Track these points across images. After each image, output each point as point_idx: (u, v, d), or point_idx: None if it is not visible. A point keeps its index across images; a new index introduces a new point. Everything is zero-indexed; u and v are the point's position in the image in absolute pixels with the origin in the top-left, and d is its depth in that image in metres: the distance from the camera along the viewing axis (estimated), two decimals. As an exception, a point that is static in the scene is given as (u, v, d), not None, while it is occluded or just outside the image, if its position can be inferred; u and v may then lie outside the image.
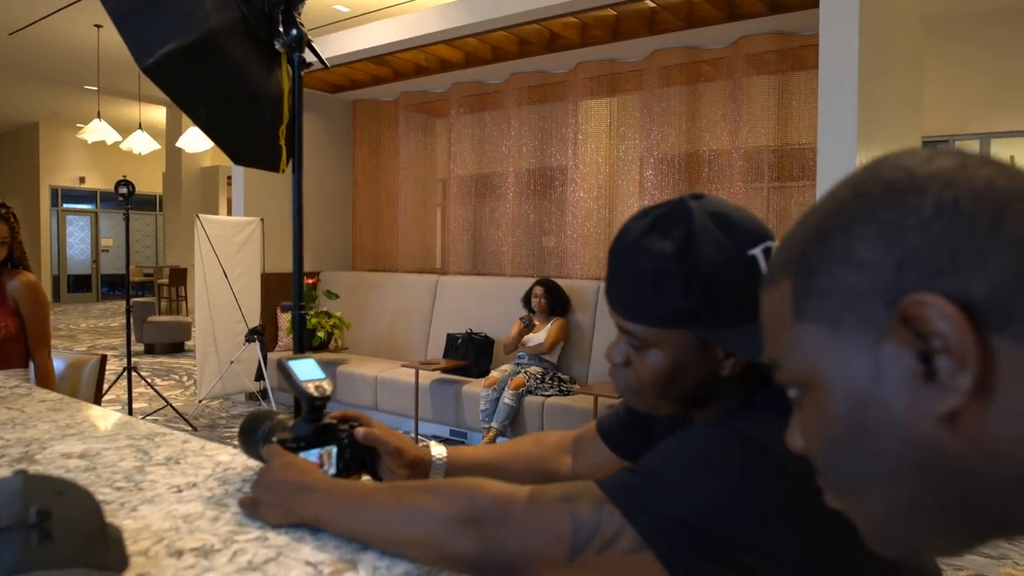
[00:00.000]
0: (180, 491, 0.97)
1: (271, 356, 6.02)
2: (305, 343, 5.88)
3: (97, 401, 2.47)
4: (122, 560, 0.73)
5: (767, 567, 0.71)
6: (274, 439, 0.95)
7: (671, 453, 0.76)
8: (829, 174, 3.58)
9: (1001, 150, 6.47)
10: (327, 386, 0.99)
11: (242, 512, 0.89)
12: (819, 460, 0.50)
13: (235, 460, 1.12)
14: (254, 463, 1.07)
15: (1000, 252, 0.40)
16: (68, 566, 0.64)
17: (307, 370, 1.00)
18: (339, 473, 1.00)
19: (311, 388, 0.97)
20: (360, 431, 1.02)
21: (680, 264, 0.80)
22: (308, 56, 1.89)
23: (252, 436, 1.01)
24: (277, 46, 1.81)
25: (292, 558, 0.76)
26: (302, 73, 1.85)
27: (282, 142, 1.84)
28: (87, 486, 0.76)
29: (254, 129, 1.80)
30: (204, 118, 1.73)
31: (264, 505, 0.86)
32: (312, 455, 0.96)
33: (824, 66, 3.63)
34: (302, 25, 1.80)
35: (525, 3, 4.62)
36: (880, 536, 0.49)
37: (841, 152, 3.55)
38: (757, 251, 0.81)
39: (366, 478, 1.05)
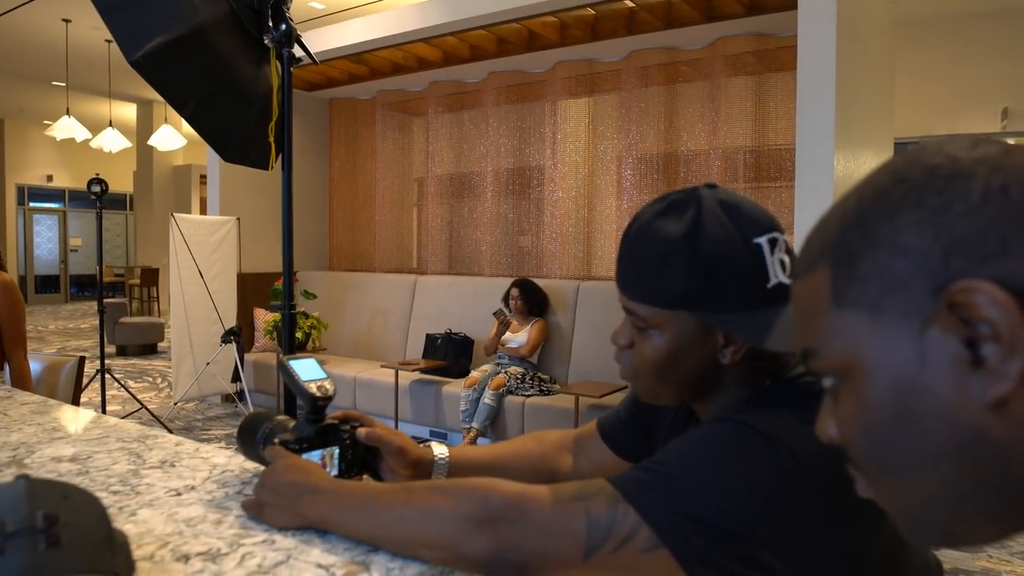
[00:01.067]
0: (179, 494, 0.95)
1: (248, 357, 5.96)
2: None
3: (75, 404, 2.42)
4: (129, 566, 0.71)
5: (783, 562, 0.72)
6: (276, 440, 0.94)
7: (684, 450, 0.76)
8: (807, 175, 3.62)
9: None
10: (329, 386, 0.97)
11: (246, 515, 0.87)
12: (857, 448, 0.50)
13: (231, 462, 1.10)
14: (251, 465, 1.06)
15: None
16: (77, 572, 0.63)
17: (309, 370, 0.98)
18: (341, 474, 0.99)
19: (313, 388, 0.96)
20: (362, 431, 1.01)
21: (685, 246, 0.82)
22: (297, 51, 1.87)
23: (252, 438, 1.00)
24: (266, 41, 1.79)
25: (303, 561, 0.75)
26: (292, 68, 1.83)
27: (271, 138, 1.82)
28: (90, 490, 0.74)
29: (244, 125, 1.77)
30: (192, 114, 1.70)
31: (269, 507, 0.84)
32: (315, 456, 0.95)
33: (802, 67, 3.67)
34: (291, 20, 1.78)
35: (504, 2, 4.62)
36: (920, 523, 0.49)
37: (819, 153, 3.59)
38: (763, 240, 0.82)
39: (367, 478, 1.04)
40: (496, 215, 5.98)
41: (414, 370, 5.07)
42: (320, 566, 0.74)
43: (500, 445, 1.16)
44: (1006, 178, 0.42)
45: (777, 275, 0.82)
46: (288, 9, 1.76)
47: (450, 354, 5.27)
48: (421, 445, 1.08)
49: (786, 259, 0.83)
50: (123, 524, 0.83)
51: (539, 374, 4.87)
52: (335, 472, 0.98)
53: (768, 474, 0.71)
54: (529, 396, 4.68)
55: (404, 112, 6.72)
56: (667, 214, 0.85)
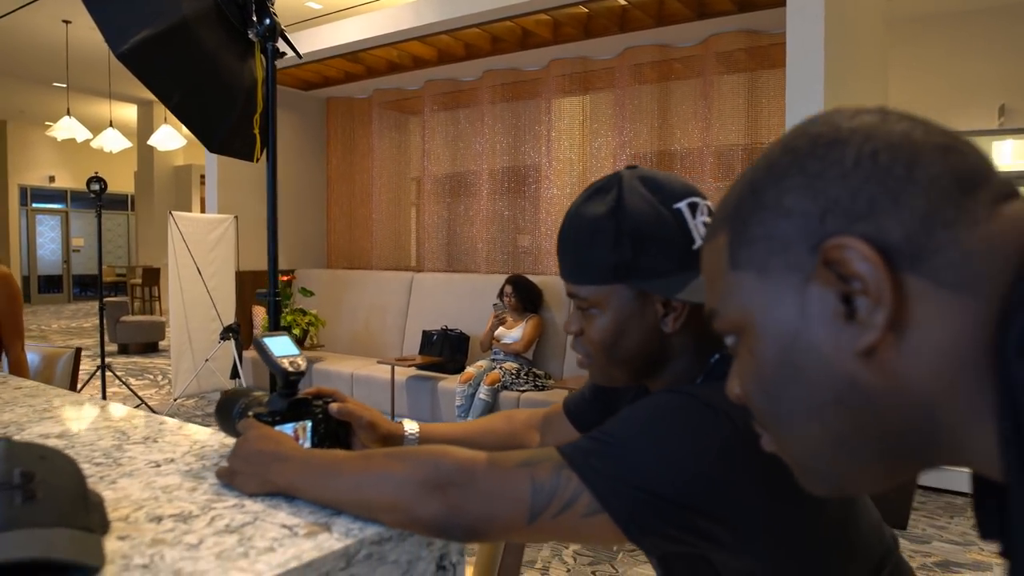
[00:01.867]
0: (158, 466, 1.00)
1: (246, 354, 6.01)
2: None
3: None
4: (104, 523, 0.76)
5: (724, 531, 0.74)
6: (250, 413, 0.98)
7: (626, 418, 0.79)
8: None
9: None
10: (301, 362, 1.02)
11: (219, 483, 0.92)
12: (753, 402, 0.53)
13: (212, 439, 1.15)
14: (231, 441, 1.10)
15: (912, 198, 0.44)
16: (52, 526, 0.67)
17: (282, 346, 1.03)
18: (314, 447, 1.03)
19: (286, 363, 1.00)
20: (334, 406, 1.05)
21: (610, 222, 0.87)
22: (282, 46, 1.92)
23: (229, 413, 1.04)
24: (251, 35, 1.84)
25: (268, 522, 0.79)
26: (276, 63, 1.87)
27: (256, 131, 1.87)
28: (68, 454, 0.79)
29: (228, 117, 1.82)
30: (177, 105, 1.75)
31: (240, 475, 0.89)
32: (287, 429, 0.99)
33: (791, 65, 3.71)
34: (275, 15, 1.83)
35: (497, 0, 4.66)
36: (809, 471, 0.52)
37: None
38: (682, 205, 0.87)
39: None
40: (492, 213, 6.02)
41: (410, 366, 5.11)
42: (284, 526, 0.78)
43: (471, 423, 1.20)
44: (876, 144, 0.46)
45: (702, 237, 0.87)
46: (272, 4, 1.80)
47: (446, 350, 5.31)
48: (394, 421, 1.12)
49: (710, 221, 0.88)
50: (103, 491, 0.88)
51: (534, 370, 4.91)
52: (308, 445, 1.02)
53: (710, 444, 0.74)
54: (524, 391, 4.72)
55: (400, 111, 6.77)
56: (592, 199, 0.91)
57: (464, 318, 5.49)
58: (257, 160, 1.95)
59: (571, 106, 5.73)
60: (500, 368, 4.80)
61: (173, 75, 1.71)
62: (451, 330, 5.39)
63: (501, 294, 5.05)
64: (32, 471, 0.70)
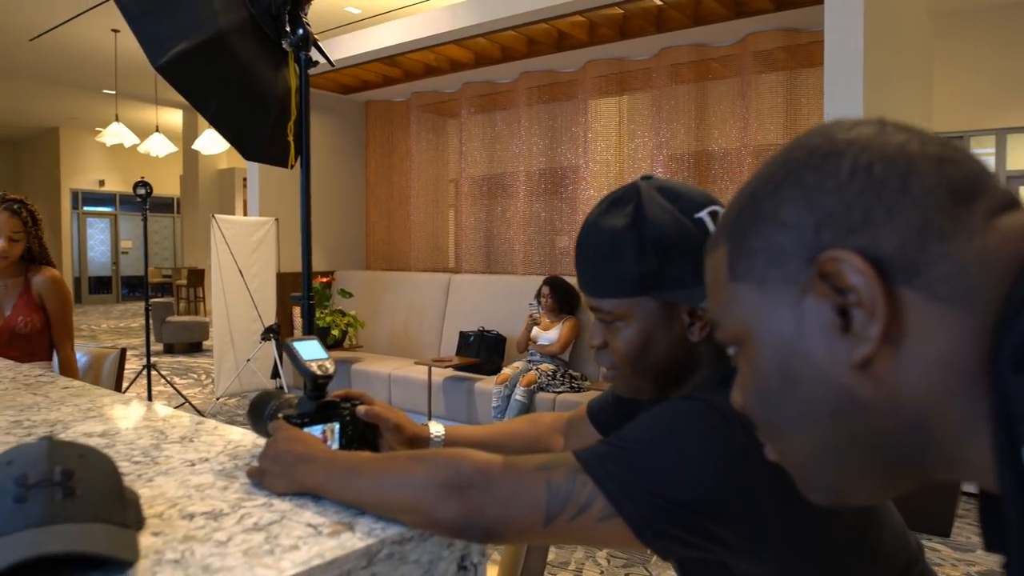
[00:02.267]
0: (193, 465, 1.03)
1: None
2: (315, 333, 5.98)
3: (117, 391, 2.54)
4: (139, 520, 0.80)
5: (737, 536, 0.75)
6: (280, 415, 1.01)
7: (641, 424, 0.80)
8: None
9: (1018, 146, 6.43)
10: (329, 365, 1.05)
11: (250, 482, 0.95)
12: (753, 412, 0.54)
13: (245, 439, 1.18)
14: (263, 441, 1.13)
15: (906, 210, 0.44)
16: (89, 521, 0.71)
17: (311, 350, 1.06)
18: (342, 448, 1.06)
19: (314, 367, 1.03)
20: (361, 408, 1.08)
21: (632, 234, 0.88)
22: (314, 55, 1.96)
23: (260, 414, 1.07)
24: (284, 45, 1.88)
25: (295, 521, 0.82)
26: (309, 71, 1.92)
27: (290, 138, 1.91)
28: (106, 453, 0.82)
29: (263, 125, 1.87)
30: (214, 114, 1.80)
31: (269, 475, 0.92)
32: (316, 430, 1.02)
33: (829, 63, 3.66)
34: (308, 25, 1.87)
35: (533, 2, 4.67)
36: (808, 481, 0.53)
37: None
38: (703, 214, 0.87)
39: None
40: (529, 214, 6.04)
41: (447, 367, 5.16)
42: (310, 525, 0.81)
43: (496, 425, 1.22)
44: (871, 156, 0.46)
45: None
46: (305, 15, 1.85)
47: (482, 351, 5.35)
48: (420, 424, 1.15)
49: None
50: (140, 488, 0.91)
51: (570, 371, 4.91)
52: (336, 446, 1.05)
53: (723, 450, 0.75)
54: (560, 393, 4.73)
55: (438, 113, 6.82)
56: (610, 211, 0.91)
57: (501, 319, 5.52)
58: (291, 166, 2.00)
59: (607, 107, 5.72)
60: (536, 369, 4.81)
61: (210, 85, 1.77)
62: (488, 331, 5.42)
63: (538, 295, 5.06)
64: (72, 469, 0.73)
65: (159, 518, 0.82)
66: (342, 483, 0.86)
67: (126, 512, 0.77)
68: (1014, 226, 0.44)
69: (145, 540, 0.75)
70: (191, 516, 0.83)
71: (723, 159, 5.11)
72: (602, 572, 2.95)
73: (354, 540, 0.77)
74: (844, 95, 3.59)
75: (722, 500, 0.73)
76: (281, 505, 0.87)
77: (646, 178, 0.93)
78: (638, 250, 0.88)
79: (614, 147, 5.71)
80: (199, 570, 0.69)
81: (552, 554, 3.10)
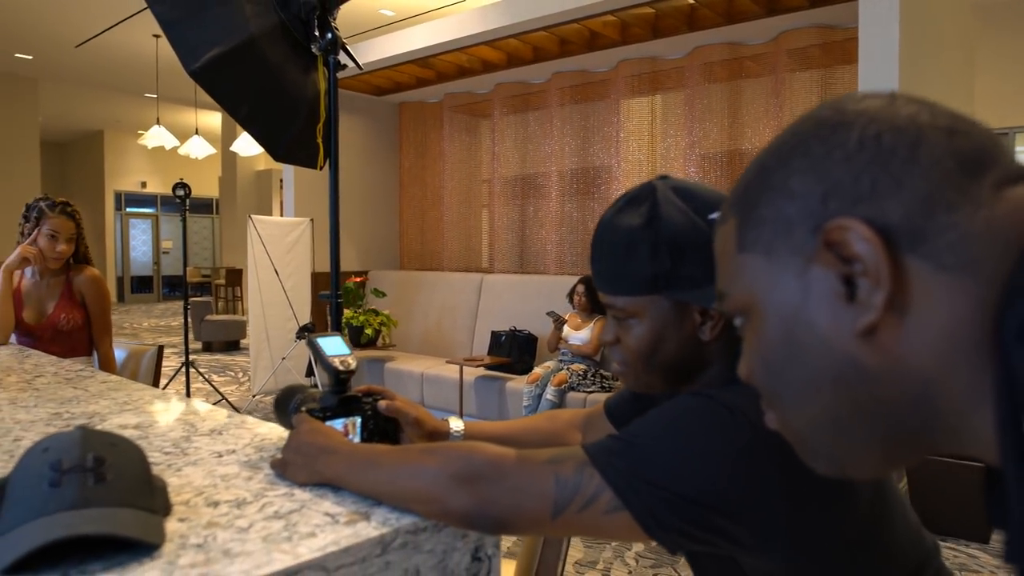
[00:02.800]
0: (220, 456, 1.07)
1: (321, 352, 6.19)
2: (347, 332, 6.06)
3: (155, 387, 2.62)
4: (166, 506, 0.83)
5: (743, 531, 0.76)
6: (303, 409, 1.04)
7: (649, 420, 0.82)
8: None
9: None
10: (352, 361, 1.08)
11: (273, 473, 0.98)
12: (757, 380, 0.54)
13: (272, 432, 1.22)
14: (288, 433, 1.17)
15: (914, 180, 0.44)
16: (118, 506, 0.74)
17: (334, 346, 1.09)
18: (363, 442, 1.09)
19: (337, 362, 1.06)
20: (383, 403, 1.11)
21: (647, 233, 0.89)
22: (343, 58, 2.00)
23: (285, 408, 1.11)
24: (313, 49, 1.92)
25: (314, 510, 0.85)
26: (339, 74, 1.96)
27: (319, 140, 1.95)
28: (136, 442, 0.86)
29: (292, 128, 1.91)
30: (245, 117, 1.85)
31: (292, 465, 0.95)
32: (338, 424, 1.05)
33: (864, 60, 3.61)
34: (336, 29, 1.91)
35: (564, 3, 4.68)
36: (809, 450, 0.53)
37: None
38: (717, 215, 0.88)
39: None
40: (561, 214, 6.05)
41: (478, 366, 5.19)
42: (327, 514, 0.84)
43: (515, 421, 1.24)
44: (880, 127, 0.46)
45: None
46: (334, 19, 1.89)
47: (514, 351, 5.37)
48: (441, 419, 1.17)
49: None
50: (169, 478, 0.95)
51: (601, 371, 4.91)
52: (358, 440, 1.08)
53: (728, 445, 0.76)
54: (591, 393, 4.73)
55: (471, 114, 6.87)
56: (626, 209, 0.92)
57: (532, 319, 5.53)
58: (320, 168, 2.04)
59: (640, 107, 5.71)
60: (568, 369, 4.82)
61: (241, 89, 1.82)
62: (519, 331, 5.44)
63: (572, 294, 5.07)
64: (103, 456, 0.77)
65: (186, 505, 0.86)
66: (360, 474, 0.88)
67: (154, 498, 0.80)
68: (1022, 198, 0.44)
69: (171, 525, 0.79)
70: (216, 504, 0.86)
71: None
72: (630, 572, 2.96)
73: (369, 529, 0.80)
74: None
75: (728, 494, 0.74)
76: (302, 495, 0.90)
77: (662, 178, 0.94)
78: (652, 249, 0.89)
79: (646, 147, 5.69)
80: (220, 554, 0.72)
81: (580, 552, 3.11)
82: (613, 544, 3.20)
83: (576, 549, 3.15)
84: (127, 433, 1.20)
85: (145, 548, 0.72)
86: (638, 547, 3.18)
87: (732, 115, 5.17)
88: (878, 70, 3.54)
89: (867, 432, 0.48)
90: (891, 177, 0.45)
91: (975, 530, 3.26)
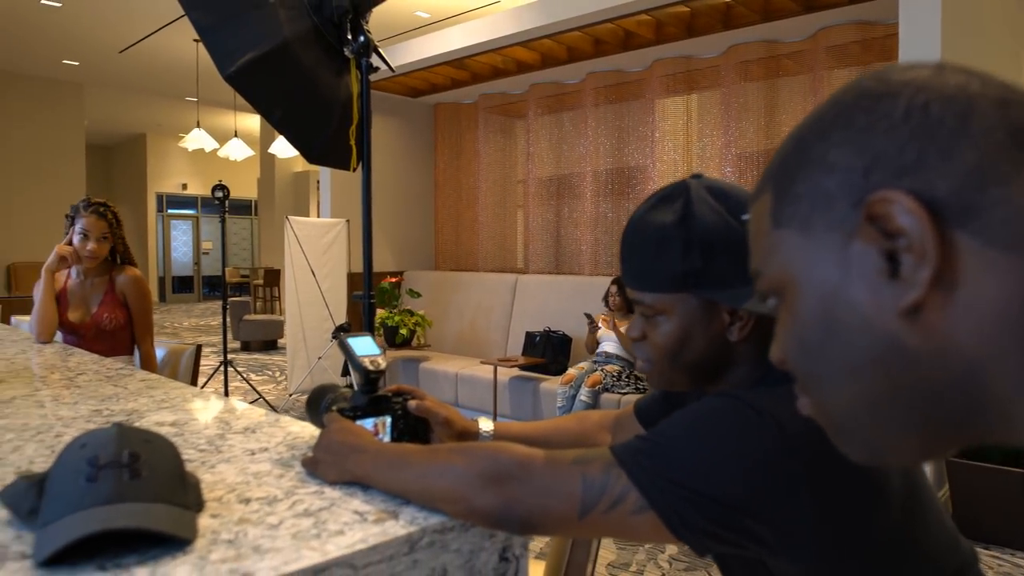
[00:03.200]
0: (253, 454, 1.09)
1: (356, 352, 6.25)
2: (377, 331, 6.11)
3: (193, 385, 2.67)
4: (199, 502, 0.85)
5: (770, 532, 0.75)
6: (334, 408, 1.06)
7: (676, 421, 0.81)
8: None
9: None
10: (381, 361, 1.09)
11: (304, 472, 0.99)
12: (792, 362, 0.52)
13: (304, 431, 1.23)
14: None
15: (965, 151, 0.42)
16: (152, 501, 0.76)
17: (364, 346, 1.10)
18: (393, 441, 1.09)
19: (367, 362, 1.07)
20: (412, 403, 1.11)
21: (679, 230, 0.88)
22: (375, 61, 2.02)
23: (317, 407, 1.12)
24: (346, 52, 1.95)
25: (343, 508, 0.86)
26: (373, 76, 1.98)
27: (352, 142, 1.98)
28: (170, 440, 0.88)
29: (326, 130, 1.94)
30: (279, 120, 1.88)
31: (322, 464, 0.96)
32: (367, 423, 1.06)
33: (905, 55, 3.54)
34: (369, 32, 1.93)
35: (598, 2, 4.67)
36: (845, 435, 0.51)
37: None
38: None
39: None
40: (596, 215, 6.03)
41: (512, 367, 5.19)
42: (356, 512, 0.85)
43: (544, 422, 1.24)
44: (928, 96, 0.44)
45: None
46: (366, 23, 1.90)
47: (548, 351, 5.36)
48: (470, 419, 1.18)
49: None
50: (203, 475, 0.97)
51: (635, 372, 4.88)
52: (387, 439, 1.09)
53: (754, 445, 0.75)
54: (625, 394, 4.71)
55: (505, 115, 6.88)
56: (658, 207, 0.92)
57: (567, 320, 5.53)
58: (353, 169, 2.07)
59: (675, 106, 5.67)
60: (602, 370, 4.80)
61: (275, 93, 1.85)
62: (554, 332, 5.44)
63: (606, 295, 5.05)
64: (138, 452, 0.79)
65: (218, 502, 0.87)
66: (388, 473, 0.89)
67: (187, 494, 0.82)
68: None
69: (203, 521, 0.80)
70: (247, 501, 0.88)
71: (794, 157, 4.99)
72: (663, 574, 2.94)
73: (397, 527, 0.80)
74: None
75: (753, 495, 0.74)
76: (331, 493, 0.91)
77: (696, 176, 0.94)
78: (684, 247, 0.88)
79: (682, 146, 5.65)
80: (250, 550, 0.73)
81: (613, 555, 3.10)
82: (646, 546, 3.18)
83: (609, 551, 3.13)
84: (163, 430, 1.23)
85: (178, 543, 0.74)
86: (671, 550, 3.16)
87: (769, 114, 5.11)
88: (919, 66, 3.46)
89: (907, 417, 0.46)
90: (939, 148, 0.42)
91: (1020, 537, 3.18)
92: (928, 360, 0.43)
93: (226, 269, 6.23)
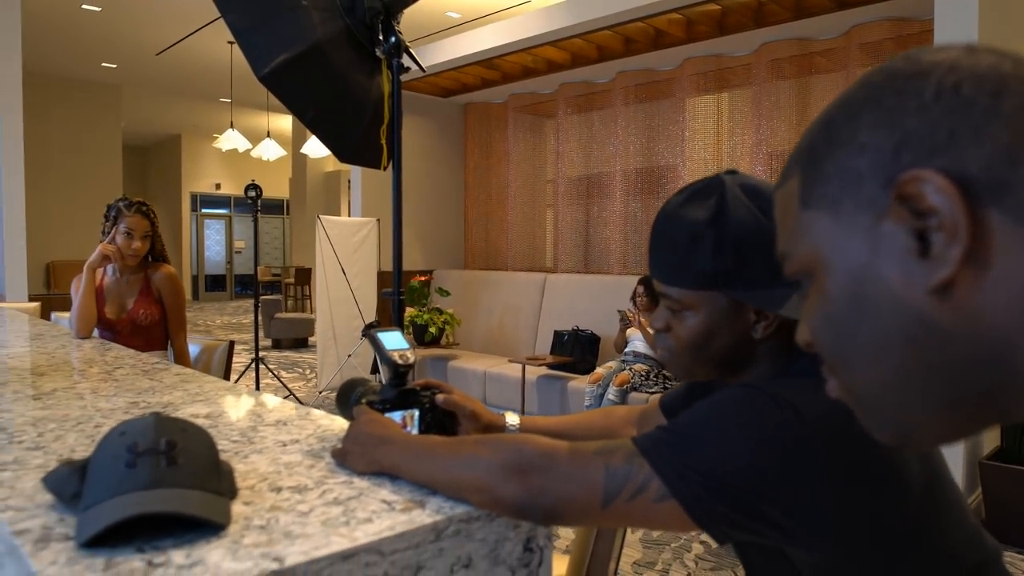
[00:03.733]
0: (285, 445, 1.11)
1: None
2: (407, 328, 6.16)
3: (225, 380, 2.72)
4: (232, 490, 0.87)
5: (790, 520, 0.75)
6: (363, 400, 1.08)
7: (698, 410, 0.82)
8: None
9: None
10: (410, 355, 1.10)
11: (334, 462, 1.01)
12: (820, 342, 0.52)
13: (333, 424, 1.26)
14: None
15: (996, 130, 0.42)
16: (188, 487, 0.78)
17: (393, 341, 1.12)
18: (421, 434, 1.11)
19: (396, 356, 1.09)
20: (440, 397, 1.13)
21: (712, 229, 0.88)
22: (406, 61, 2.04)
23: (347, 400, 1.14)
24: (378, 53, 1.98)
25: (371, 497, 0.88)
26: (405, 76, 2.00)
27: (383, 141, 2.00)
28: (205, 429, 0.90)
29: (357, 129, 1.97)
30: (312, 120, 1.92)
31: (351, 454, 0.98)
32: (396, 416, 1.08)
33: (940, 52, 3.48)
34: (400, 33, 1.95)
35: (629, 1, 4.66)
36: (874, 415, 0.51)
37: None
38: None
39: None
40: (625, 214, 6.02)
41: (540, 365, 5.21)
42: (384, 501, 0.86)
43: (570, 416, 1.25)
44: (959, 76, 0.44)
45: None
46: (397, 24, 1.93)
47: (576, 350, 5.37)
48: (497, 413, 1.19)
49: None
50: (235, 464, 0.99)
51: (663, 372, 4.87)
52: (415, 432, 1.11)
53: (773, 434, 0.76)
54: (653, 393, 4.69)
55: (535, 114, 6.89)
56: (692, 201, 0.92)
57: (595, 319, 5.53)
58: (384, 168, 2.09)
59: (705, 105, 5.64)
60: (630, 369, 4.79)
61: (308, 93, 1.89)
62: (582, 331, 5.44)
63: (633, 294, 5.05)
64: (175, 440, 0.81)
65: (250, 490, 0.89)
66: (415, 463, 0.91)
67: (221, 482, 0.84)
68: None
69: (236, 508, 0.83)
70: (279, 490, 0.90)
71: (826, 156, 4.94)
72: (689, 574, 2.93)
73: (424, 516, 0.82)
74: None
75: (772, 482, 0.74)
76: (360, 483, 0.93)
77: (730, 172, 0.93)
78: (716, 246, 0.88)
79: (712, 145, 5.62)
80: (281, 535, 0.75)
81: (639, 553, 3.10)
82: (672, 545, 3.17)
83: (634, 550, 3.13)
84: (198, 422, 1.26)
85: (212, 528, 0.76)
86: (698, 549, 3.15)
87: (800, 112, 5.06)
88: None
89: (937, 396, 0.46)
90: (970, 127, 0.42)
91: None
92: (958, 338, 0.43)
93: (258, 268, 6.32)
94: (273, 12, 1.83)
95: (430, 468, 0.89)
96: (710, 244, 0.89)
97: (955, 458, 3.28)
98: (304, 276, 13.29)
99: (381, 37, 1.92)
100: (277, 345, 9.63)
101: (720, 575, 2.92)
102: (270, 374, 6.71)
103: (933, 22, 3.57)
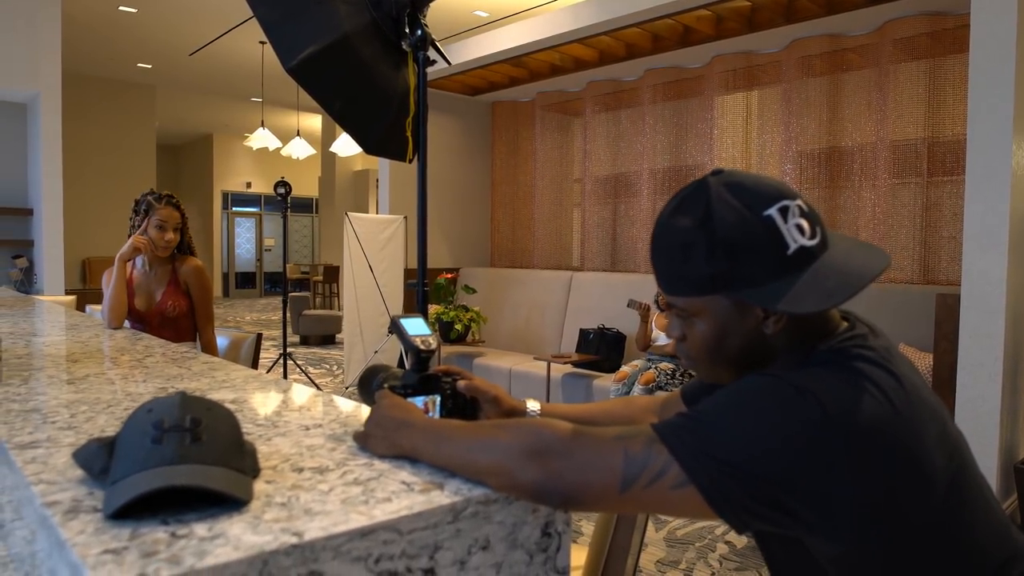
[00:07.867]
0: (308, 429, 1.13)
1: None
2: (433, 324, 6.18)
3: (254, 374, 2.76)
4: (255, 468, 0.88)
5: (808, 509, 0.75)
6: (386, 385, 1.09)
7: (718, 398, 0.82)
8: (980, 168, 3.34)
9: None
10: (432, 341, 1.11)
11: (355, 445, 1.03)
12: None
13: (357, 410, 1.27)
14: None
15: None
16: (212, 464, 0.80)
17: (416, 327, 1.13)
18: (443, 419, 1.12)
19: (418, 342, 1.10)
20: (462, 382, 1.14)
21: (702, 234, 0.88)
22: (432, 54, 2.05)
23: (369, 385, 1.16)
24: (404, 46, 1.99)
25: (391, 479, 0.89)
26: (432, 71, 2.01)
27: (408, 134, 2.02)
28: (230, 409, 0.92)
29: (383, 121, 1.99)
30: (338, 112, 1.94)
31: (372, 437, 0.99)
32: (418, 401, 1.09)
33: (976, 48, 3.42)
34: (426, 26, 1.97)
35: (657, -2, 4.64)
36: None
37: (994, 144, 3.31)
38: (773, 211, 0.86)
39: None
40: (652, 213, 5.98)
41: (566, 363, 5.20)
42: (404, 483, 0.87)
43: (591, 404, 1.25)
44: None
45: (796, 240, 0.85)
46: (424, 17, 1.94)
47: (602, 349, 5.35)
48: (518, 400, 1.20)
49: (803, 223, 0.86)
50: (259, 446, 1.01)
51: (689, 371, 4.84)
52: (437, 417, 1.12)
53: (793, 423, 0.76)
54: (678, 392, 4.67)
55: (562, 112, 6.88)
56: (680, 209, 0.92)
57: (621, 317, 5.50)
58: (410, 161, 2.11)
59: (734, 103, 5.59)
60: (655, 368, 4.77)
61: (334, 85, 1.91)
62: (608, 329, 5.42)
63: (657, 295, 5.02)
64: (200, 418, 0.83)
65: (273, 470, 0.91)
66: (435, 446, 0.92)
67: (244, 460, 0.86)
68: None
69: (259, 486, 0.84)
70: (300, 470, 0.91)
71: (857, 155, 4.88)
72: (713, 573, 2.91)
73: (442, 497, 0.83)
74: (992, 84, 3.34)
75: (792, 472, 0.74)
76: (380, 465, 0.94)
77: (716, 173, 0.93)
78: (708, 251, 0.88)
79: (741, 144, 5.57)
80: (301, 512, 0.76)
81: (663, 552, 3.08)
82: (696, 544, 3.15)
83: (658, 548, 3.12)
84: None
85: (234, 503, 0.77)
86: (722, 548, 3.12)
87: (832, 110, 5.00)
88: (992, 59, 3.34)
89: None
90: None
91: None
92: None
93: (287, 265, 6.39)
94: (302, 6, 1.85)
95: (450, 451, 0.90)
96: (702, 250, 0.88)
97: (990, 463, 3.22)
98: (332, 274, 13.41)
99: (407, 30, 1.94)
100: (305, 341, 9.72)
101: (745, 575, 2.90)
102: (297, 369, 6.78)
103: (969, 16, 3.50)
